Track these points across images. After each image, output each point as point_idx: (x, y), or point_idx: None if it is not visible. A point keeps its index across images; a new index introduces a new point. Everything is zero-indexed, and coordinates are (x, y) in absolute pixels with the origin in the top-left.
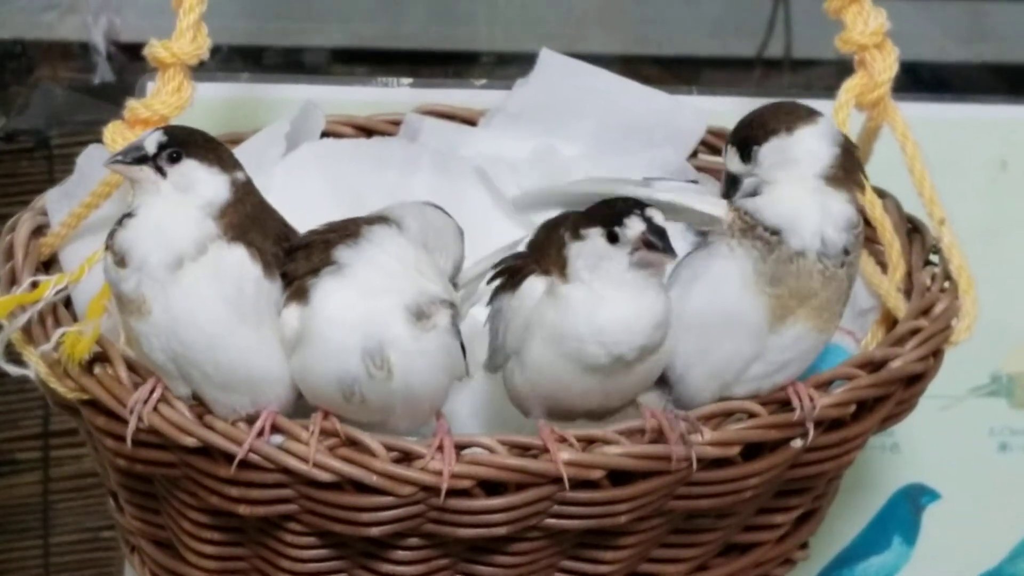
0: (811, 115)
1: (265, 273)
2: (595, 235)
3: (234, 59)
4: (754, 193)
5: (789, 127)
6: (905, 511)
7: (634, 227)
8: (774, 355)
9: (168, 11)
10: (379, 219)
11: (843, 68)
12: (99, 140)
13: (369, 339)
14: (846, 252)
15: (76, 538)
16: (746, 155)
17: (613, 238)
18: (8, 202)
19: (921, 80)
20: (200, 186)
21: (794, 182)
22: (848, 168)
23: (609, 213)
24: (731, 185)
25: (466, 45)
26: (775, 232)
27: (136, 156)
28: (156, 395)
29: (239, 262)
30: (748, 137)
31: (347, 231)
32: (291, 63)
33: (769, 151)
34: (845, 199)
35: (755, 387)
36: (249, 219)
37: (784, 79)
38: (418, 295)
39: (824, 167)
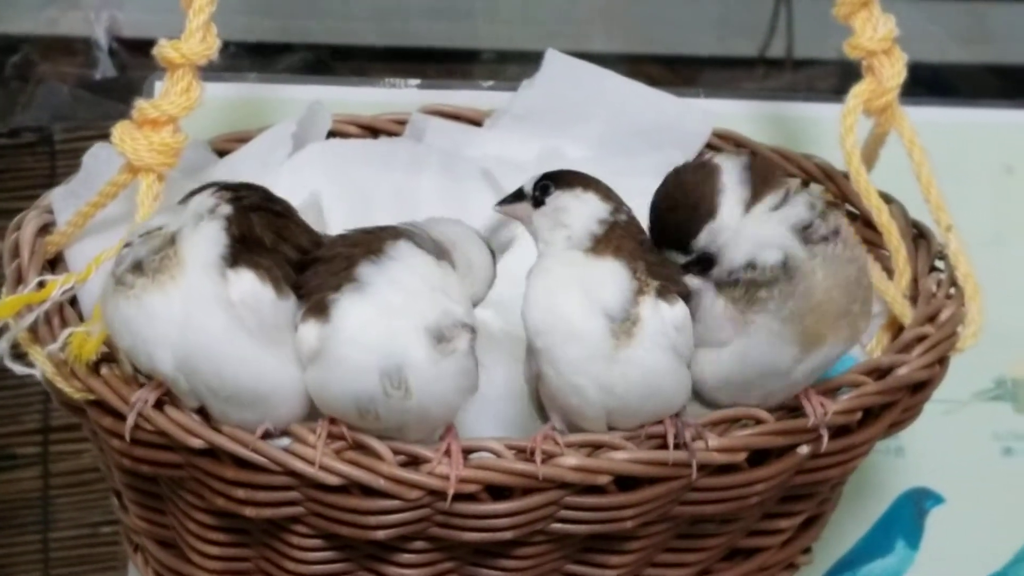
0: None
1: (277, 293)
2: None
3: (241, 57)
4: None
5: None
6: (909, 515)
7: None
8: (802, 374)
9: (170, 6)
10: (404, 234)
11: (845, 68)
12: (102, 136)
13: (388, 360)
14: (825, 239)
15: (75, 533)
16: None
17: None
18: (11, 197)
19: (926, 83)
20: None
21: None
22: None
23: None
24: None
25: (469, 43)
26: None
27: None
28: (158, 392)
29: (251, 285)
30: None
31: (370, 247)
32: (298, 62)
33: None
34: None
35: (783, 397)
36: (256, 232)
37: (785, 79)
38: (440, 317)
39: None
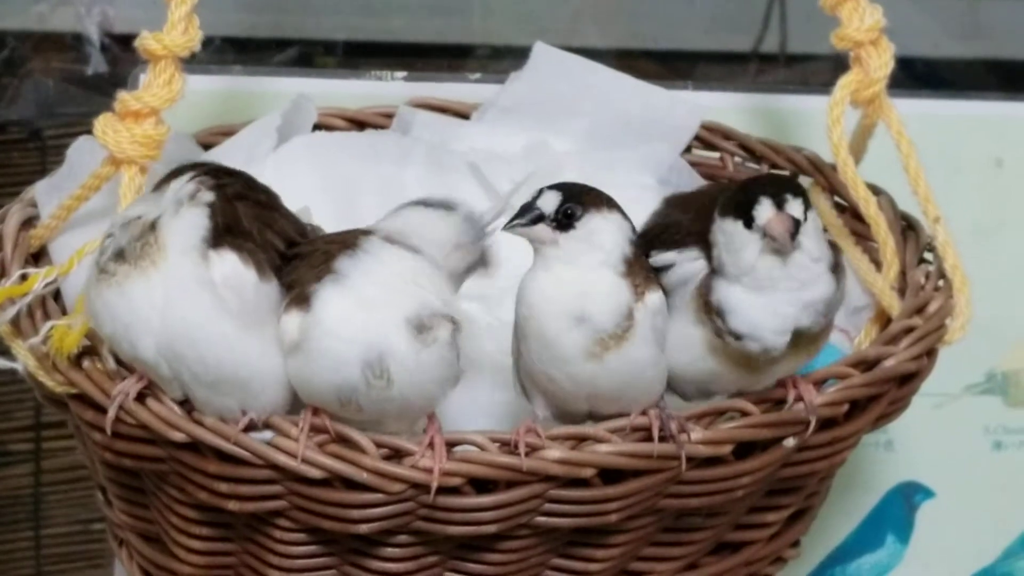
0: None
1: (260, 276)
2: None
3: (226, 51)
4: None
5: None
6: (899, 509)
7: None
8: (768, 381)
9: (162, 2)
10: (377, 232)
11: (839, 63)
12: (92, 132)
13: (370, 350)
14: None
15: (67, 530)
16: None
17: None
18: (0, 193)
19: (917, 76)
20: None
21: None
22: None
23: None
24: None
25: (460, 38)
26: (737, 336)
27: None
28: (140, 385)
29: (233, 267)
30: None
31: (346, 242)
32: (283, 55)
33: None
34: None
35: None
36: (241, 222)
37: (780, 74)
38: (420, 307)
39: None
